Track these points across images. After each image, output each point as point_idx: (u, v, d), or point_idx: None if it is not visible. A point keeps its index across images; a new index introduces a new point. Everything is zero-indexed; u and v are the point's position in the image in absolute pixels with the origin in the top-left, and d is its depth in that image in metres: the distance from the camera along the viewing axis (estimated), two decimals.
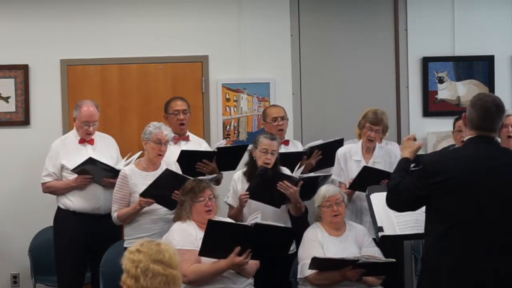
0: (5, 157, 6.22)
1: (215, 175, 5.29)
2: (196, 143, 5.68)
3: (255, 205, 5.01)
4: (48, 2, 6.26)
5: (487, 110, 3.49)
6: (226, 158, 5.41)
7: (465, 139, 3.63)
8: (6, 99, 6.25)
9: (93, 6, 6.29)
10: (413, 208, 3.74)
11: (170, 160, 5.21)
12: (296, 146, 5.85)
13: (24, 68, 6.22)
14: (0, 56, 6.22)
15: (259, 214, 4.77)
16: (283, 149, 5.57)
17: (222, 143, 5.69)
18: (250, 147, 5.36)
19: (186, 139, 5.66)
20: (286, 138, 5.79)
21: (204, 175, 5.32)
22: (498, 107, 3.51)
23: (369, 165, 5.24)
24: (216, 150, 5.46)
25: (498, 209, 3.43)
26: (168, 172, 4.93)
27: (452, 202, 3.46)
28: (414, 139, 3.90)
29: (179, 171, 5.10)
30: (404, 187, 3.64)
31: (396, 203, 3.75)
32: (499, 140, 5.37)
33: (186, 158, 5.28)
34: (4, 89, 6.23)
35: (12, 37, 6.25)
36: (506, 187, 3.45)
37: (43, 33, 6.25)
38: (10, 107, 6.24)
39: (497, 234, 3.43)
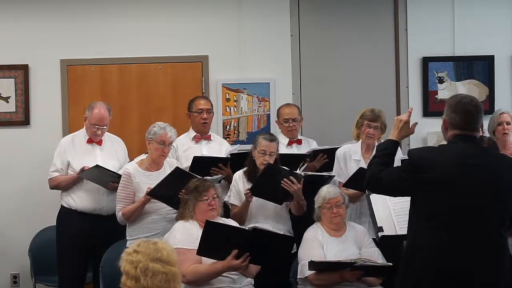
0: (5, 157, 6.22)
1: (220, 175, 5.28)
2: (217, 143, 5.70)
3: (256, 203, 5.02)
4: (48, 2, 6.26)
5: (468, 112, 3.63)
6: (240, 163, 5.32)
7: (448, 137, 3.68)
8: (6, 99, 6.25)
9: (93, 6, 6.29)
10: (392, 195, 4.03)
11: (173, 160, 5.23)
12: (310, 145, 5.78)
13: (24, 68, 6.22)
14: (0, 56, 6.23)
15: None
16: (295, 148, 5.61)
17: (235, 148, 5.68)
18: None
19: (208, 138, 5.67)
20: (299, 137, 5.79)
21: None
22: (477, 107, 3.66)
23: None
24: (229, 156, 5.44)
25: (483, 206, 3.51)
26: (178, 171, 4.92)
27: (437, 198, 3.52)
28: (408, 122, 3.88)
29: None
30: (387, 177, 3.67)
31: (374, 188, 3.92)
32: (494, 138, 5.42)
33: (199, 164, 5.24)
34: (4, 89, 6.23)
35: (12, 37, 6.25)
36: (490, 184, 3.53)
37: (43, 33, 6.26)
38: (10, 107, 6.24)
39: (481, 230, 3.50)
